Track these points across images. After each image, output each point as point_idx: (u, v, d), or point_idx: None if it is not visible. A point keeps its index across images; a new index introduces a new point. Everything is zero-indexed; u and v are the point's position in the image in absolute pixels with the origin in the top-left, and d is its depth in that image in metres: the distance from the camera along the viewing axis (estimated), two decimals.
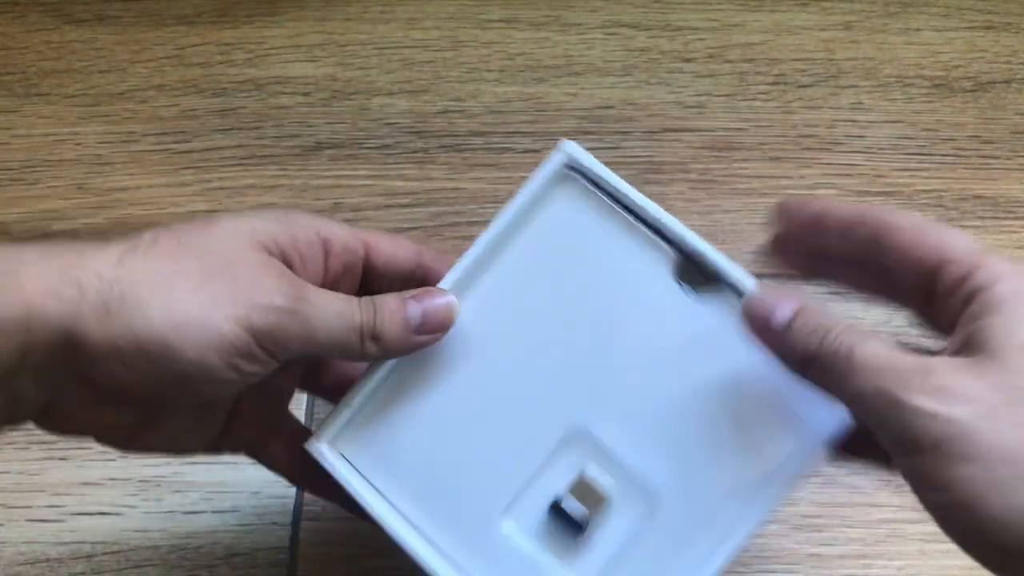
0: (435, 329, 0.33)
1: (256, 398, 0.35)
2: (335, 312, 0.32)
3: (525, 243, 0.35)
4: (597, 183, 0.35)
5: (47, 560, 0.44)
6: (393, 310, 0.32)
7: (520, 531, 0.33)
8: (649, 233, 0.34)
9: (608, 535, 0.32)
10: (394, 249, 0.35)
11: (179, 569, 0.44)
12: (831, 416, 0.32)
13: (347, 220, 0.54)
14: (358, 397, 0.34)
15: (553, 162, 0.35)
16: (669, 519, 0.32)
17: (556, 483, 0.33)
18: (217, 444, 0.35)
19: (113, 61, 0.61)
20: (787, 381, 0.31)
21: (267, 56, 0.62)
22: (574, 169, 0.35)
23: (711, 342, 0.34)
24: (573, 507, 0.32)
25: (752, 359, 0.32)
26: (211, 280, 0.30)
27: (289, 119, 0.59)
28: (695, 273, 0.34)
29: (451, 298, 0.33)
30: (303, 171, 0.57)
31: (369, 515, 0.33)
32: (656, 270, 0.34)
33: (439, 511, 0.33)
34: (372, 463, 0.34)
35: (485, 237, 0.34)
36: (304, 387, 0.40)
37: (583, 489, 0.32)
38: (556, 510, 0.33)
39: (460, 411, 0.34)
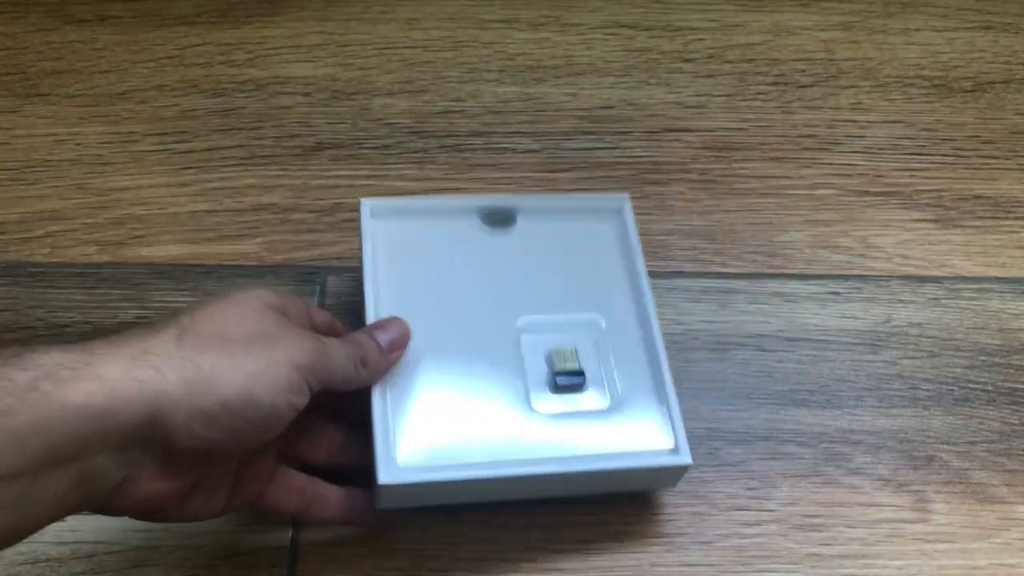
0: (400, 346, 0.43)
1: (256, 461, 0.40)
2: (339, 347, 0.39)
3: (390, 269, 0.47)
4: (403, 209, 0.49)
5: (47, 560, 0.44)
6: (369, 340, 0.42)
7: (548, 404, 0.44)
8: (450, 212, 0.49)
9: (593, 369, 0.45)
10: (321, 319, 0.43)
11: (179, 569, 0.44)
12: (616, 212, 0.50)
13: (347, 220, 0.55)
14: (380, 426, 0.42)
15: (366, 224, 0.47)
16: (612, 331, 0.46)
17: (542, 366, 0.45)
18: (230, 503, 0.40)
19: (113, 61, 0.61)
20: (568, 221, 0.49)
21: (267, 56, 0.62)
22: (380, 213, 0.48)
23: (526, 243, 0.49)
24: (563, 367, 0.45)
25: (547, 230, 0.49)
26: (255, 341, 0.36)
27: (289, 119, 0.59)
28: (493, 217, 0.49)
29: (402, 322, 0.43)
30: (303, 171, 0.57)
31: (467, 480, 0.41)
32: (470, 230, 0.49)
33: (496, 443, 0.43)
34: (430, 458, 0.42)
35: (367, 286, 0.46)
36: (286, 457, 0.43)
37: (558, 356, 0.45)
38: (556, 382, 0.44)
39: (448, 384, 0.44)
